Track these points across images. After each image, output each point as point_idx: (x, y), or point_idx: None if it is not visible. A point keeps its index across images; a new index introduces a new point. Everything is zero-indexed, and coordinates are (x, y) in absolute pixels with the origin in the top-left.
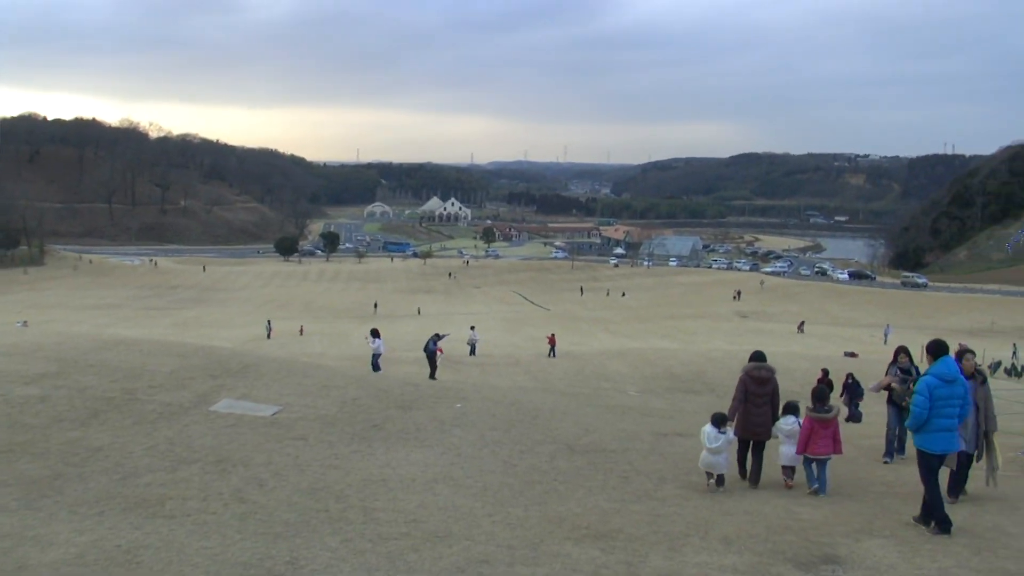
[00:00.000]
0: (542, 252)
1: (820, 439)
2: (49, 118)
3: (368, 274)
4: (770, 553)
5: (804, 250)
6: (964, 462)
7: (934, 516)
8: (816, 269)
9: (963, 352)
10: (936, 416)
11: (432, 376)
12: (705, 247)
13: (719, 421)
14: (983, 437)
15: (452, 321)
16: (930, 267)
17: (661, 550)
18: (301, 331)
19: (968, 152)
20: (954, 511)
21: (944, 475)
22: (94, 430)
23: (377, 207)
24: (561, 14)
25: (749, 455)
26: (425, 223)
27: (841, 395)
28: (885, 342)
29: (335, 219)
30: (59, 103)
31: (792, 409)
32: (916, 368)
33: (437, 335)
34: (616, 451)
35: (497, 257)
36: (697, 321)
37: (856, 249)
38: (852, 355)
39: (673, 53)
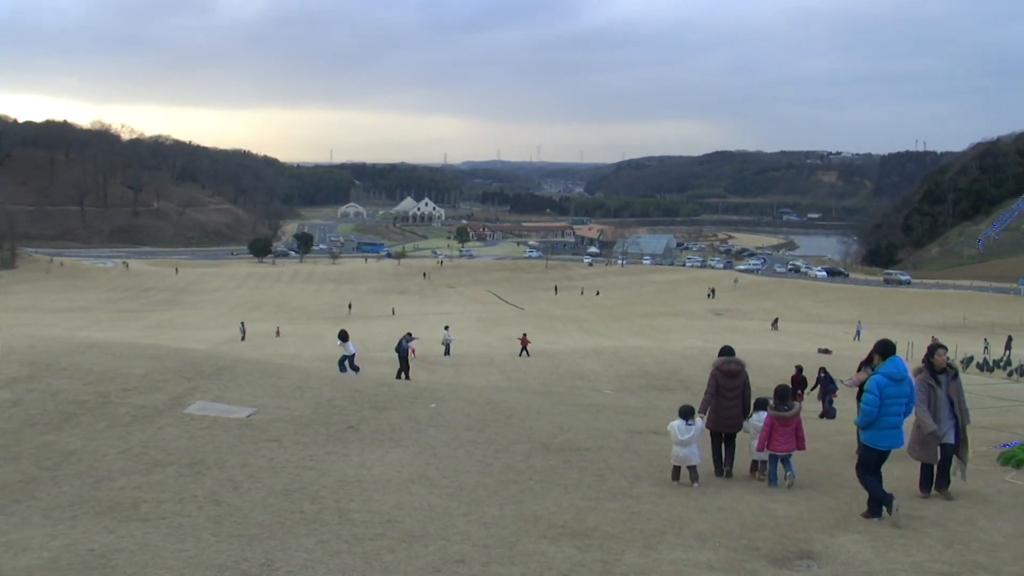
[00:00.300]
0: (516, 252)
1: (781, 436)
2: (20, 120)
3: (342, 275)
4: (745, 549)
5: (777, 247)
6: (949, 454)
7: (880, 500)
8: (790, 266)
9: (935, 347)
10: (885, 414)
11: (404, 376)
12: (679, 245)
13: (687, 413)
14: (961, 431)
15: (426, 321)
16: (902, 264)
17: (636, 548)
18: (278, 332)
19: (939, 149)
20: (927, 505)
21: (902, 469)
22: (67, 434)
23: (351, 208)
24: (533, 14)
25: (723, 448)
26: (399, 223)
27: (813, 389)
28: (857, 339)
29: (309, 220)
30: (30, 105)
31: (763, 405)
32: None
33: (409, 335)
34: (591, 449)
35: (471, 257)
36: (671, 319)
37: (829, 246)
38: (826, 351)
39: (646, 52)
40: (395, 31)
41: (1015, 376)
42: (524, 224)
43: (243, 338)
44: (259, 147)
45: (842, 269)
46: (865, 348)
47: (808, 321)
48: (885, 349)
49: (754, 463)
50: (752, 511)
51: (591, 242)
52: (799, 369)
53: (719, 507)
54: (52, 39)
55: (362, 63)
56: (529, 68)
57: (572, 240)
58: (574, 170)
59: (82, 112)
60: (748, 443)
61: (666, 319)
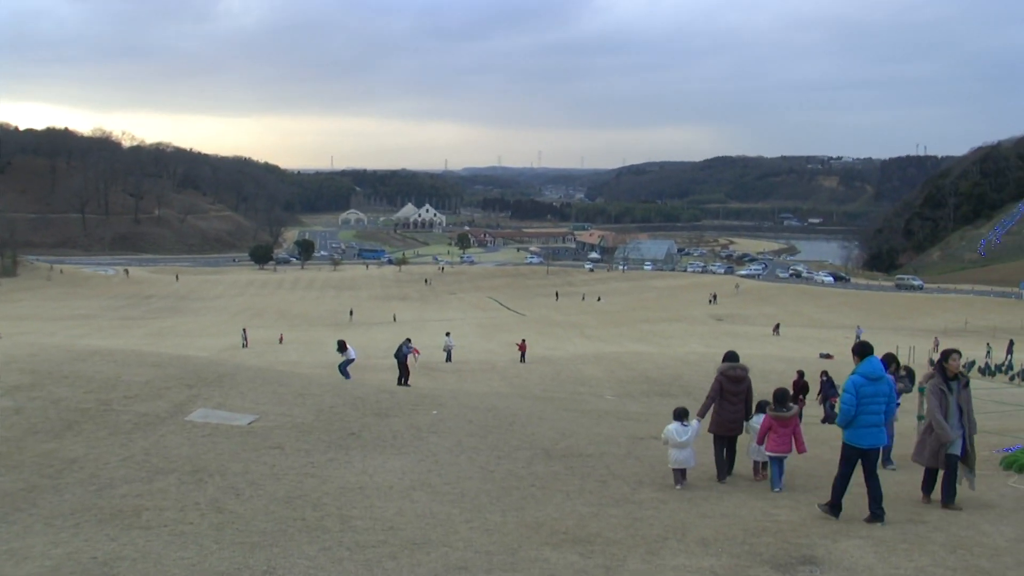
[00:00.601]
0: (517, 258)
1: (778, 437)
2: (21, 128)
3: (343, 281)
4: (748, 555)
5: (779, 252)
6: (954, 465)
7: (832, 497)
8: (791, 271)
9: (949, 352)
10: (863, 413)
11: (403, 382)
12: (680, 251)
13: (682, 415)
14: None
15: (428, 328)
16: (904, 268)
17: (639, 554)
18: (280, 339)
19: (940, 153)
20: (929, 510)
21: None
22: (69, 441)
23: (352, 214)
24: (533, 21)
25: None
26: (400, 230)
27: (820, 395)
28: None
29: (310, 227)
30: (30, 113)
31: (763, 408)
32: (910, 371)
33: (408, 341)
34: (593, 455)
35: (472, 263)
36: (672, 325)
37: (830, 251)
38: (828, 356)
39: (646, 58)
40: (394, 39)
41: (1017, 380)
42: (525, 230)
43: (245, 345)
44: (260, 154)
45: (843, 274)
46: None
47: (809, 326)
48: (862, 350)
49: (756, 464)
50: (755, 516)
51: (592, 248)
52: (800, 374)
53: (722, 513)
54: (53, 47)
55: (362, 70)
56: (529, 74)
57: (573, 246)
58: (575, 176)
59: (83, 120)
60: (749, 445)
61: (667, 324)
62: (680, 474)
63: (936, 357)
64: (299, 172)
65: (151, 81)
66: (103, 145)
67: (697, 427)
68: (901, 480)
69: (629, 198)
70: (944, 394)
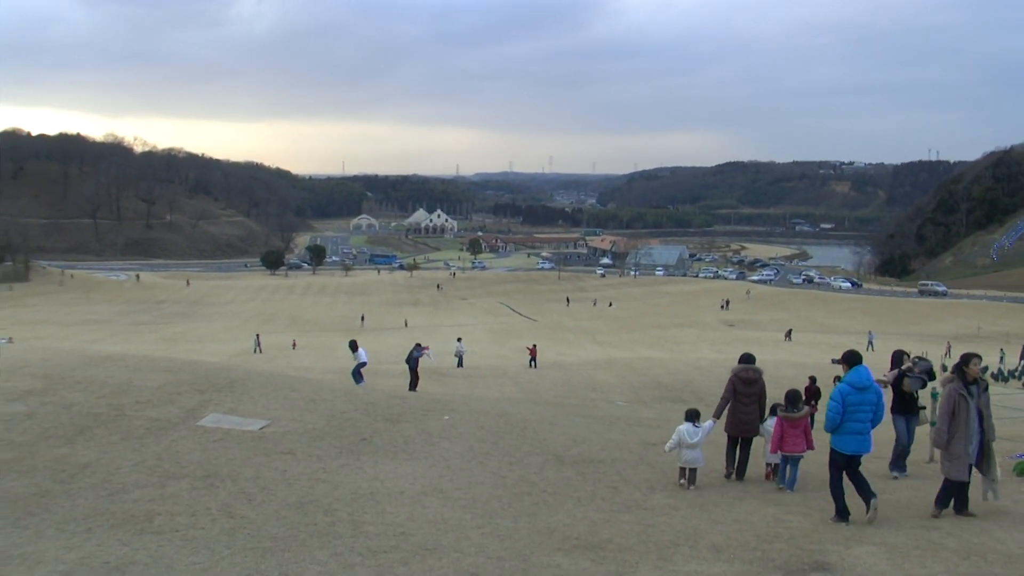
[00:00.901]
0: (528, 263)
1: (792, 438)
2: (33, 134)
3: (355, 287)
4: (760, 561)
5: (791, 258)
6: (961, 488)
7: (836, 503)
8: (803, 277)
9: (970, 357)
10: (849, 420)
11: (413, 387)
12: (692, 256)
13: (693, 416)
14: (986, 447)
15: (439, 333)
16: (916, 274)
17: (651, 560)
18: (294, 345)
19: (952, 158)
20: (942, 517)
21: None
22: (81, 447)
23: (363, 220)
24: (544, 26)
25: (737, 452)
26: (411, 235)
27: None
28: (871, 349)
29: (321, 232)
30: (43, 119)
31: (775, 411)
32: (930, 371)
33: (418, 345)
34: (605, 461)
35: (484, 268)
36: (684, 330)
37: (842, 257)
38: (840, 362)
39: (657, 63)
40: (405, 44)
41: None
42: (536, 236)
43: (258, 350)
44: (271, 159)
45: (855, 280)
46: (878, 357)
47: (821, 332)
48: (851, 359)
49: (768, 466)
50: (767, 522)
51: (603, 253)
52: (812, 380)
53: (734, 519)
54: (64, 53)
55: (373, 76)
56: (540, 80)
57: (584, 251)
58: (586, 181)
59: (95, 125)
60: (763, 447)
61: (679, 330)
62: (690, 473)
63: (948, 363)
64: (311, 177)
65: (162, 87)
66: (115, 150)
67: (710, 427)
68: (913, 486)
69: (641, 203)
70: (964, 399)
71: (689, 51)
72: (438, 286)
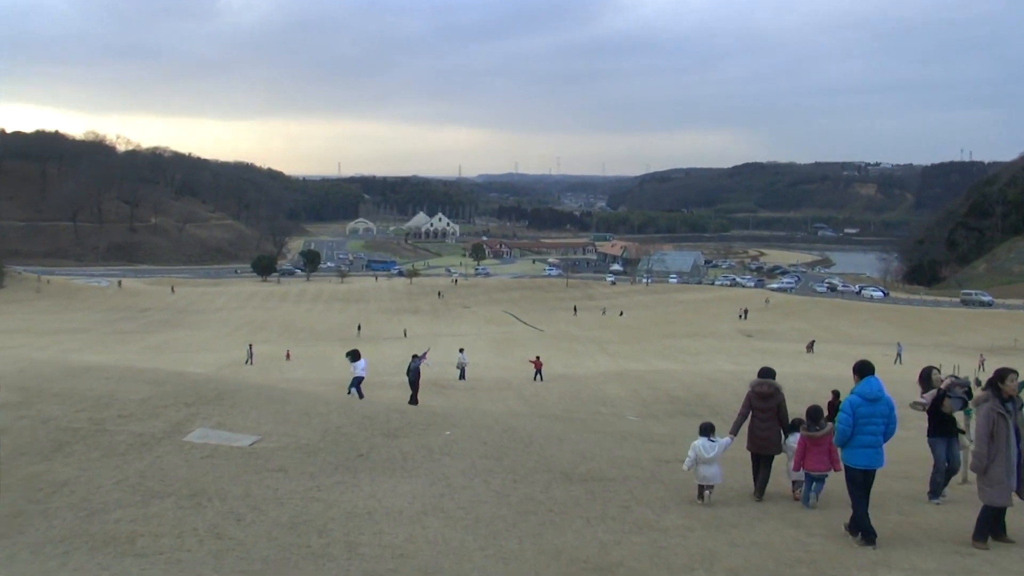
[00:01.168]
0: (535, 269)
1: (814, 456)
2: (8, 131)
3: (351, 294)
4: None
5: (812, 265)
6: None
7: (860, 527)
8: (827, 285)
9: (1006, 372)
10: (860, 433)
11: (413, 401)
12: (707, 263)
13: (708, 430)
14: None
15: (440, 343)
16: (947, 281)
17: None
18: (288, 356)
19: (986, 159)
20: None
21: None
22: (59, 463)
23: (360, 223)
24: (552, 20)
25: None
26: (411, 240)
27: None
28: (899, 361)
29: (315, 236)
30: (19, 115)
31: (797, 427)
32: (968, 389)
33: (416, 355)
34: (615, 479)
35: (487, 275)
36: (699, 341)
37: (868, 263)
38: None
39: (671, 60)
40: (406, 39)
41: None
42: (543, 240)
43: (250, 361)
44: (263, 159)
45: (882, 288)
46: (906, 371)
47: (845, 343)
48: (862, 369)
49: (795, 484)
50: (787, 545)
51: (614, 259)
52: (836, 394)
53: (752, 541)
54: (44, 46)
55: (371, 72)
56: (547, 77)
57: (594, 257)
58: (595, 183)
59: (75, 122)
60: (786, 464)
61: (694, 341)
62: (706, 490)
63: (982, 377)
64: (304, 179)
65: (147, 82)
66: (97, 149)
67: (726, 444)
68: (945, 508)
69: (653, 207)
70: (1003, 419)
71: (705, 46)
72: (439, 294)
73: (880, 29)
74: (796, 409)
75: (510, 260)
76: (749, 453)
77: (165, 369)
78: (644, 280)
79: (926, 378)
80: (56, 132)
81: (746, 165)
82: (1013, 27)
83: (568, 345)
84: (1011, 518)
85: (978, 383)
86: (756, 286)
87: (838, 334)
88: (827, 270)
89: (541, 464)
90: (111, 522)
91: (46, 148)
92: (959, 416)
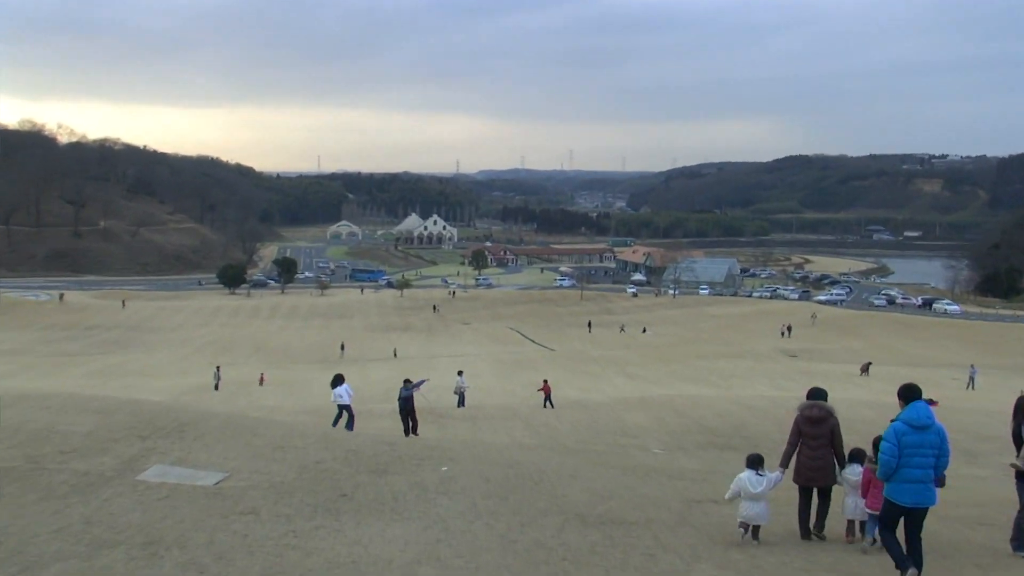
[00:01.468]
0: (544, 280)
1: (877, 493)
2: None
3: (333, 308)
4: None
5: (866, 274)
6: None
7: (896, 564)
8: (884, 297)
9: None
10: (905, 466)
11: (411, 431)
12: (743, 272)
13: (755, 462)
14: None
15: (436, 365)
16: None
17: None
18: (261, 380)
19: None
20: None
21: None
22: None
23: (343, 227)
24: None
25: (812, 506)
26: (402, 246)
27: None
28: (971, 386)
29: (291, 242)
30: None
31: (859, 457)
32: None
33: (408, 381)
34: (638, 523)
35: (490, 286)
36: (735, 362)
37: (932, 271)
38: (931, 403)
39: (702, 36)
40: (397, 14)
41: None
42: (554, 246)
43: (217, 387)
44: (231, 154)
45: (950, 301)
46: (982, 397)
47: (906, 364)
48: (908, 393)
49: (850, 524)
50: None
51: (635, 268)
52: None
53: None
54: None
55: (356, 53)
56: (559, 57)
57: (612, 266)
58: (614, 180)
59: (8, 109)
60: (842, 500)
61: (728, 362)
62: (751, 530)
63: None
64: (279, 175)
65: (95, 63)
66: (34, 140)
67: (777, 479)
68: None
69: (681, 207)
70: None
71: (743, 20)
72: (434, 308)
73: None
74: (851, 441)
75: (516, 269)
76: (797, 489)
77: (115, 397)
78: (670, 292)
79: (1021, 409)
80: None
81: (789, 158)
82: None
83: (583, 367)
84: None
85: None
86: (801, 298)
87: (898, 354)
88: (884, 280)
89: (552, 505)
90: None
91: None
92: None
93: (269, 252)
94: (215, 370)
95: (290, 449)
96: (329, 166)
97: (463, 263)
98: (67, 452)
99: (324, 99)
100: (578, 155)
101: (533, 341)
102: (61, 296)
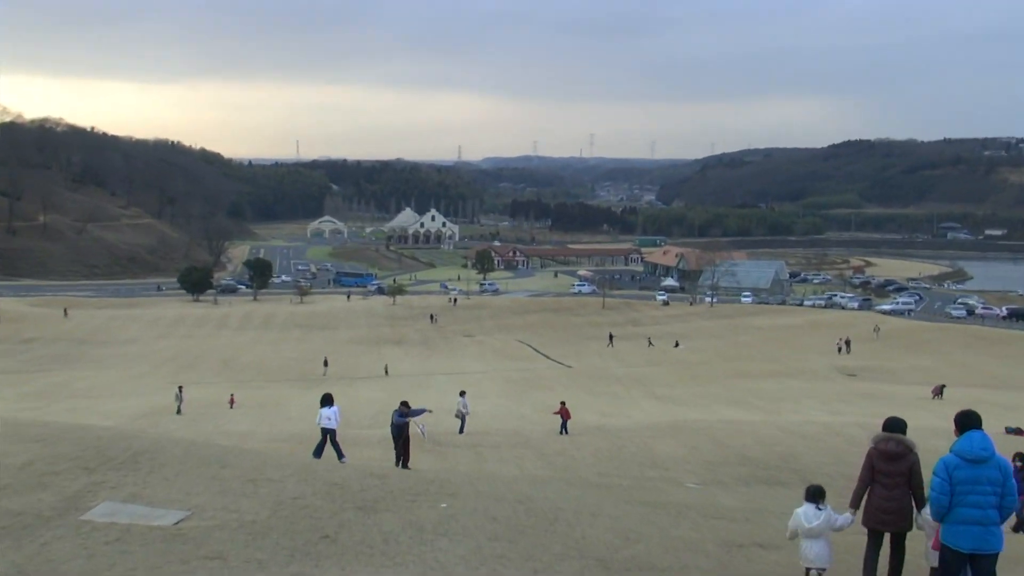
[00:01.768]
0: (560, 285)
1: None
2: None
3: (314, 318)
4: None
5: (940, 279)
6: None
7: None
8: (962, 307)
9: None
10: (960, 505)
11: (401, 463)
12: (793, 276)
13: (816, 495)
14: None
15: (433, 384)
16: None
17: None
18: (231, 402)
19: None
20: None
21: None
22: None
23: (326, 223)
24: None
25: (881, 554)
26: (394, 245)
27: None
28: None
29: (266, 241)
30: None
31: None
32: None
33: (406, 404)
34: (670, 569)
35: (496, 292)
36: (782, 382)
37: (1018, 277)
38: (1017, 432)
39: (745, 1)
40: None
41: None
42: (571, 246)
43: (179, 411)
44: (194, 137)
45: None
46: None
47: (986, 387)
48: (964, 421)
49: (933, 572)
50: None
51: (666, 272)
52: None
53: None
54: None
55: (341, 19)
56: (577, 25)
57: (639, 269)
58: (641, 170)
59: None
60: (924, 546)
61: (775, 382)
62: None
63: None
64: (251, 163)
65: (31, 30)
66: None
67: (847, 520)
68: None
69: (719, 201)
70: None
71: None
72: (432, 317)
73: None
74: (926, 476)
75: (527, 273)
76: (866, 532)
77: (58, 422)
78: (707, 299)
79: None
80: None
81: (847, 144)
82: None
83: (605, 387)
84: None
85: None
86: (861, 308)
87: (978, 375)
88: (960, 286)
89: (570, 548)
90: None
91: None
92: None
93: (239, 252)
94: (176, 390)
95: (264, 482)
96: (309, 152)
97: (465, 266)
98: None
99: (304, 74)
100: (600, 140)
101: (547, 357)
102: None
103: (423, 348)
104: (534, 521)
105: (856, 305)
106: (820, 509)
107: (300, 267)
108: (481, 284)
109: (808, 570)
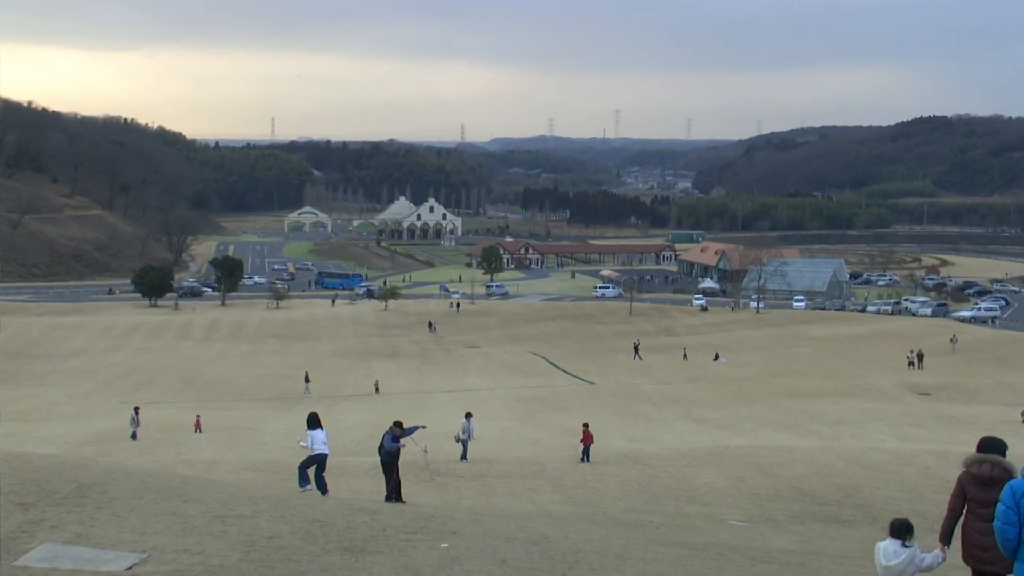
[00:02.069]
0: (579, 288)
1: None
2: None
3: (292, 326)
4: None
5: None
6: None
7: None
8: None
9: None
10: None
11: (391, 496)
12: (854, 277)
13: (901, 530)
14: None
15: (432, 404)
16: None
17: None
18: (197, 425)
19: None
20: None
21: None
22: None
23: (306, 215)
24: None
25: None
26: (387, 241)
27: None
28: None
29: (236, 236)
30: None
31: None
32: None
33: (399, 425)
34: None
35: (505, 296)
36: (843, 402)
37: None
38: None
39: None
40: None
41: None
42: (593, 242)
43: (134, 436)
44: (151, 114)
45: None
46: None
47: None
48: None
49: None
50: None
51: (705, 272)
52: None
53: None
54: None
55: None
56: None
57: (674, 269)
58: (676, 152)
59: None
60: None
61: (834, 402)
62: None
63: None
64: (218, 145)
65: None
66: None
67: (937, 558)
68: None
69: (767, 189)
70: None
71: None
72: (430, 325)
73: None
74: None
75: (541, 273)
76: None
77: None
78: (753, 305)
79: None
80: None
81: (919, 121)
82: None
83: (633, 407)
84: None
85: None
86: (936, 315)
87: None
88: None
89: None
90: None
91: None
92: None
93: (205, 249)
94: (132, 412)
95: (233, 520)
96: (287, 132)
97: (469, 265)
98: None
99: (281, 40)
100: (626, 118)
101: (565, 371)
102: None
103: (420, 362)
104: (550, 565)
105: (929, 312)
106: (907, 546)
107: (276, 267)
108: (488, 287)
109: None
